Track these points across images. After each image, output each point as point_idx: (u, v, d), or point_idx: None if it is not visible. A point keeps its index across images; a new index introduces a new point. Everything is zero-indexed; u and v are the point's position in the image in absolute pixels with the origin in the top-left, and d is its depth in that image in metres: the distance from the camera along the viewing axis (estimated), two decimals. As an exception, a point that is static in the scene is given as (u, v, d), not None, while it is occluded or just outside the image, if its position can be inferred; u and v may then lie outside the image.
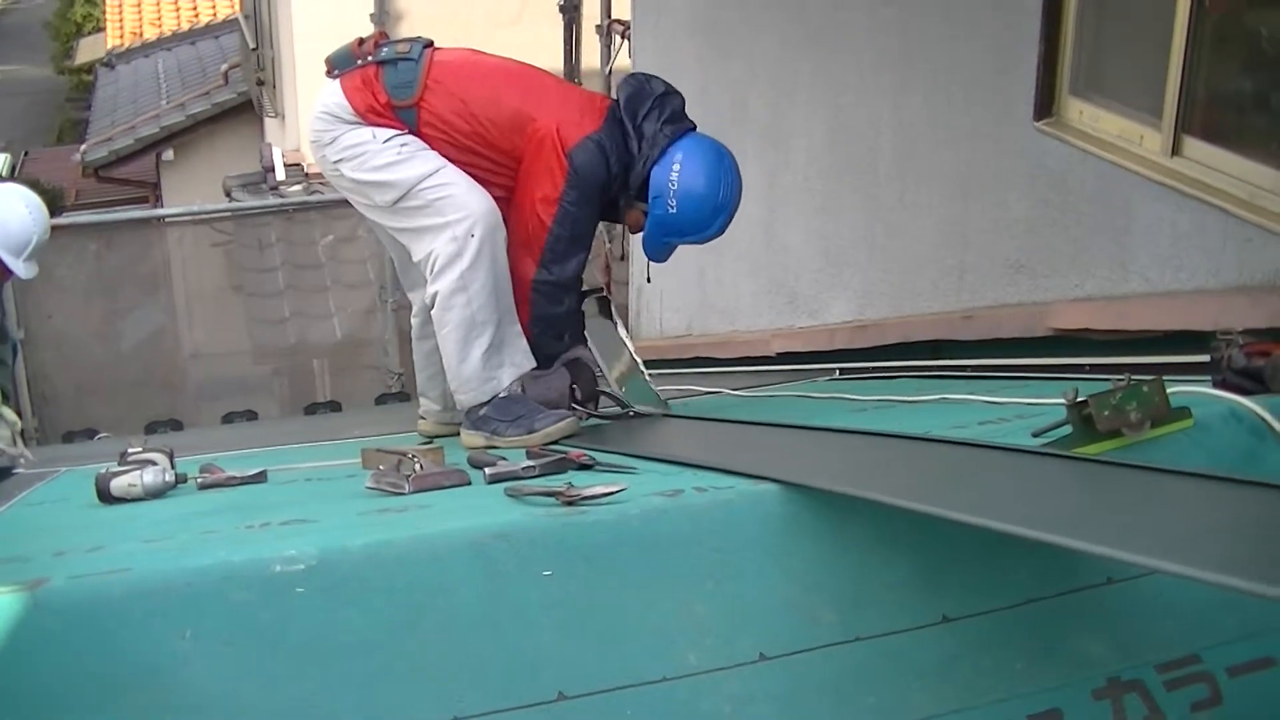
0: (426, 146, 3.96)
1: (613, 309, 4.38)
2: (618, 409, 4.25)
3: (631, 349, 4.30)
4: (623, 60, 8.95)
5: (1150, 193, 3.90)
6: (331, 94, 4.02)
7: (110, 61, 19.20)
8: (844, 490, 2.50)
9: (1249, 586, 1.73)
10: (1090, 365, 3.85)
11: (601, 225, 8.51)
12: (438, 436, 4.31)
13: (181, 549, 2.56)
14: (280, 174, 12.12)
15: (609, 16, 9.24)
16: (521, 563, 2.37)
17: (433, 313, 3.97)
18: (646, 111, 3.99)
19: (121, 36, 19.86)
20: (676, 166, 3.94)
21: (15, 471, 4.60)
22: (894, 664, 2.44)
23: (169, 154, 15.38)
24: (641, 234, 4.10)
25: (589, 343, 4.25)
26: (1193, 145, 3.83)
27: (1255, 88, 3.89)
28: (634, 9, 8.14)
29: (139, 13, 20.25)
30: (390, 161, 3.94)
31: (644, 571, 2.42)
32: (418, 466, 3.06)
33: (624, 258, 4.34)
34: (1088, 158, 4.14)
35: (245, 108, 15.38)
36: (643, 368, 4.33)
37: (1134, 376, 2.79)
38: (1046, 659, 2.50)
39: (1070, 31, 4.27)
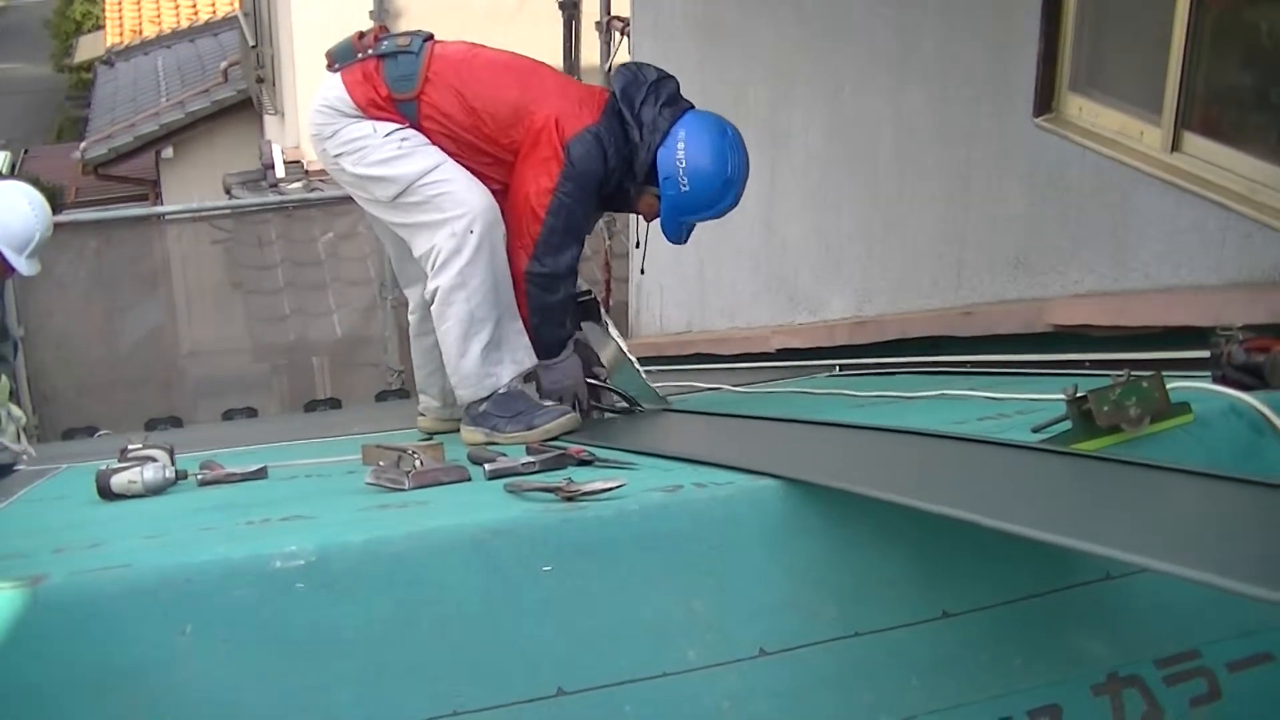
0: (427, 141, 3.96)
1: (600, 310, 4.37)
2: (623, 404, 4.25)
3: (624, 347, 4.29)
4: (622, 57, 8.95)
5: (1150, 188, 3.90)
6: (332, 87, 4.02)
7: (110, 59, 19.20)
8: (843, 486, 2.49)
9: (1247, 589, 1.73)
10: (1090, 361, 3.85)
11: (602, 223, 8.57)
12: (438, 433, 4.31)
13: (181, 545, 2.56)
14: (280, 171, 12.11)
15: (608, 13, 9.24)
16: (521, 558, 2.37)
17: (432, 309, 3.97)
18: (643, 98, 3.98)
19: (121, 34, 19.84)
20: (681, 146, 3.94)
21: (16, 468, 4.60)
22: (894, 659, 2.45)
23: (169, 151, 15.36)
24: (658, 219, 4.09)
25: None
26: (1193, 141, 3.82)
27: (1255, 83, 3.89)
28: (633, 6, 8.13)
29: (138, 10, 20.23)
30: (390, 156, 3.94)
31: (643, 567, 2.42)
32: (417, 463, 3.06)
33: (639, 244, 4.32)
34: (1087, 153, 4.14)
35: (245, 105, 15.36)
36: (637, 366, 4.32)
37: (1134, 372, 2.79)
38: (1046, 654, 2.50)
39: (1070, 27, 4.27)
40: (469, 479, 3.03)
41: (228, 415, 9.75)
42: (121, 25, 20.05)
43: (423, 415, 4.48)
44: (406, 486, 2.94)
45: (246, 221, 10.74)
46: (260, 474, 3.64)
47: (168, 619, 2.20)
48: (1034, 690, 2.46)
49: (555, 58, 9.68)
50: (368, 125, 3.97)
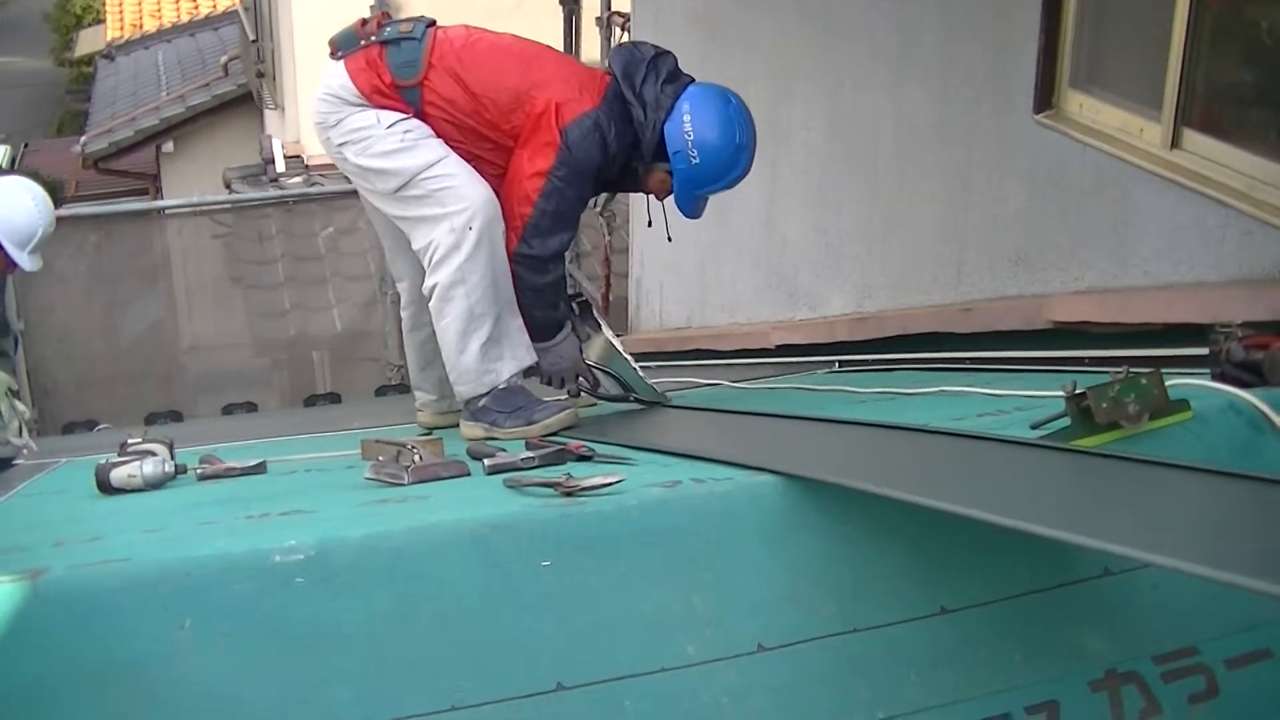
0: (431, 134, 3.96)
1: (594, 310, 4.38)
2: (620, 394, 4.26)
3: (619, 346, 4.29)
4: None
5: (1150, 185, 3.90)
6: (335, 76, 4.01)
7: (110, 53, 19.20)
8: (842, 482, 2.50)
9: (1245, 583, 1.74)
10: (1090, 358, 3.85)
11: (603, 221, 8.57)
12: (437, 428, 4.32)
13: (181, 539, 2.57)
14: (280, 166, 12.12)
15: (609, 9, 9.24)
16: (520, 553, 2.37)
17: (431, 304, 3.97)
18: (643, 77, 3.97)
19: (121, 28, 19.84)
20: (687, 118, 3.93)
21: (16, 462, 4.60)
22: (892, 655, 2.45)
23: (169, 146, 15.38)
24: (671, 195, 4.07)
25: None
26: (1192, 138, 3.82)
27: (1255, 80, 3.89)
28: (634, 1, 8.14)
29: (139, 5, 20.23)
30: (392, 149, 3.93)
31: (642, 562, 2.43)
32: (417, 458, 3.07)
33: (651, 224, 4.30)
34: (1087, 150, 4.14)
35: (245, 100, 15.37)
36: (634, 364, 4.33)
37: (1133, 369, 2.79)
38: (1044, 650, 2.50)
39: (1070, 24, 4.26)
40: (468, 474, 3.04)
41: (227, 410, 9.76)
42: (122, 19, 20.05)
43: (421, 410, 4.48)
44: (406, 481, 2.95)
45: (247, 216, 10.75)
46: (260, 468, 3.64)
47: (167, 613, 2.20)
48: (1032, 686, 2.46)
49: (556, 54, 9.68)
50: (371, 115, 3.96)
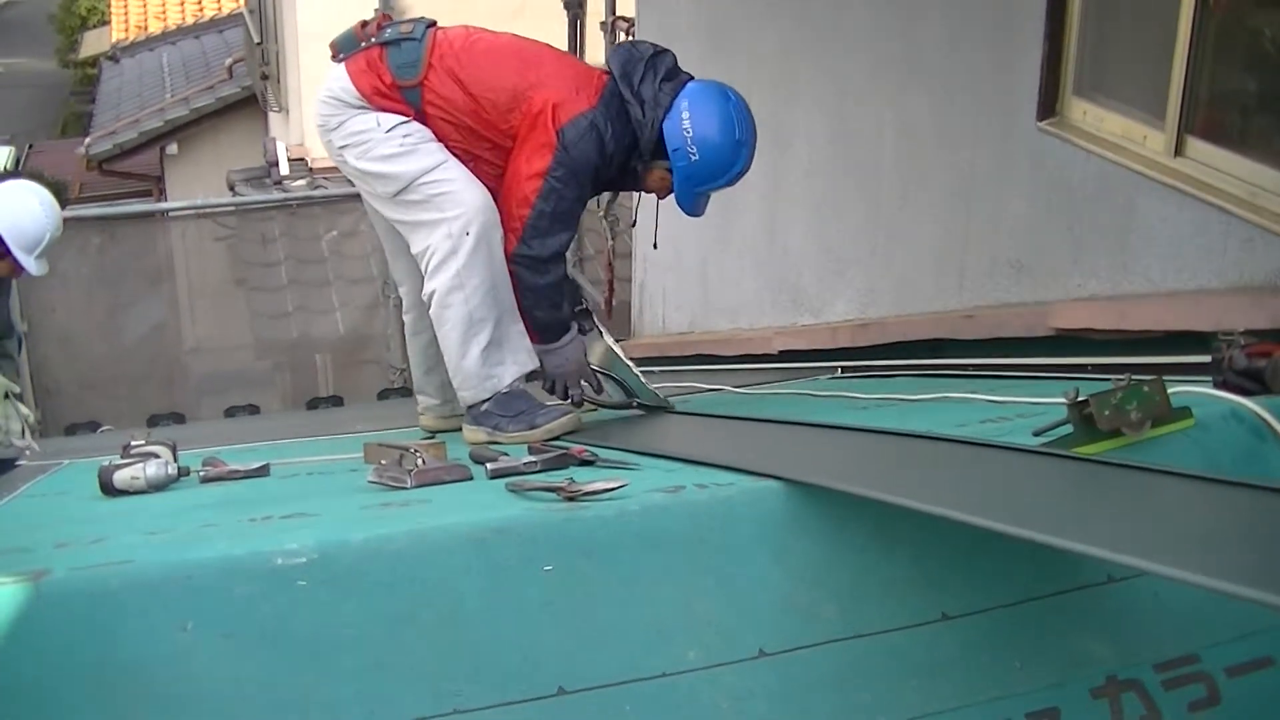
0: (431, 138, 3.96)
1: (595, 317, 4.37)
2: (623, 399, 4.26)
3: (620, 353, 4.29)
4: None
5: (1153, 193, 3.90)
6: (337, 78, 4.03)
7: (115, 55, 19.20)
8: (845, 488, 2.50)
9: (1247, 593, 1.74)
10: (1092, 365, 3.85)
11: (606, 226, 8.57)
12: (440, 431, 4.32)
13: (183, 542, 2.57)
14: (284, 168, 12.13)
15: (613, 13, 9.25)
16: (522, 558, 2.38)
17: (431, 311, 3.97)
18: (641, 76, 3.97)
19: (126, 30, 19.84)
20: (686, 115, 3.93)
21: (19, 463, 4.61)
22: (893, 661, 2.45)
23: (173, 148, 15.39)
24: (672, 195, 4.07)
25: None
26: (1196, 146, 3.82)
27: (1258, 88, 3.89)
28: (638, 8, 8.14)
29: (144, 6, 20.23)
30: (392, 153, 3.94)
31: (644, 567, 2.43)
32: (420, 461, 3.07)
33: (634, 223, 4.29)
34: (1090, 158, 4.14)
35: (249, 102, 15.38)
36: (636, 370, 4.33)
37: (1135, 376, 2.79)
38: (1045, 657, 2.50)
39: (1074, 31, 4.26)
40: (471, 478, 3.04)
41: (230, 412, 9.77)
42: (127, 21, 20.04)
43: (423, 414, 4.49)
44: (408, 485, 2.95)
45: (250, 218, 10.77)
46: (262, 471, 3.65)
47: (169, 615, 2.20)
48: (1033, 693, 2.46)
49: (559, 58, 9.67)
50: (372, 118, 3.97)
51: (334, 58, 4.08)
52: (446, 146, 3.98)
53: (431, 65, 3.96)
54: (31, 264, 4.99)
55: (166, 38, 19.26)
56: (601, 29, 9.35)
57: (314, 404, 9.90)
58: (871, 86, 5.45)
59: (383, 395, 9.78)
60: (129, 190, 15.77)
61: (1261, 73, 3.85)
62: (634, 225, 4.31)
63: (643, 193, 4.35)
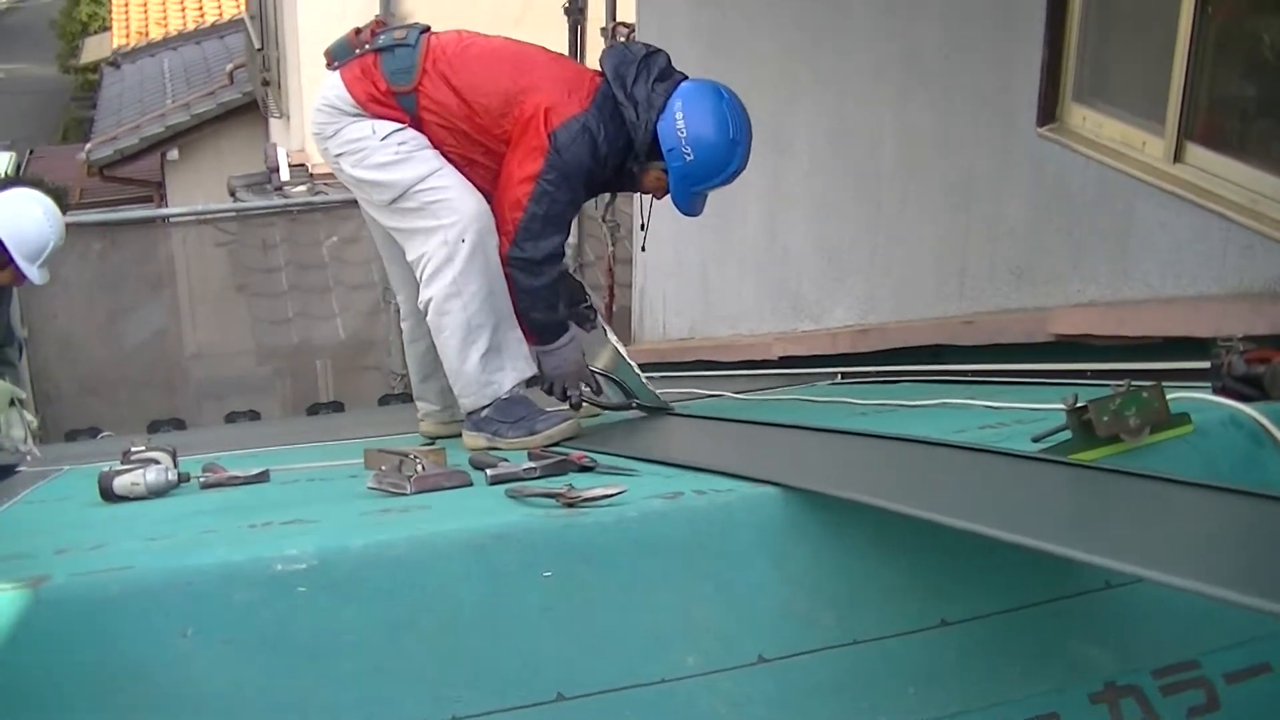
0: (426, 145, 3.97)
1: (598, 315, 4.38)
2: (623, 401, 4.26)
3: (624, 353, 4.29)
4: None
5: (1152, 199, 3.90)
6: (332, 86, 4.03)
7: (116, 61, 19.20)
8: (843, 494, 2.50)
9: (1244, 600, 1.74)
10: (1091, 371, 3.85)
11: (607, 231, 8.57)
12: (440, 437, 4.32)
13: (183, 548, 2.57)
14: (285, 174, 12.13)
15: (614, 19, 9.25)
16: (522, 564, 2.38)
17: (428, 319, 3.98)
18: (634, 76, 3.97)
19: (127, 36, 19.85)
20: (680, 115, 3.92)
21: (19, 469, 4.61)
22: (892, 667, 2.45)
23: (174, 153, 15.38)
24: (669, 195, 4.07)
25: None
26: (1195, 152, 3.83)
27: (1258, 94, 3.90)
28: (638, 12, 8.15)
29: (145, 12, 20.25)
30: (387, 161, 3.95)
31: (643, 573, 2.43)
32: (419, 467, 3.07)
33: (643, 227, 4.30)
34: (1090, 163, 4.14)
35: (250, 108, 15.38)
36: (638, 370, 4.33)
37: (1134, 382, 2.80)
38: (1044, 663, 2.50)
39: (1074, 37, 4.27)
40: (470, 484, 3.04)
41: (230, 418, 9.77)
42: (128, 27, 20.06)
43: (423, 420, 4.49)
44: (408, 491, 2.95)
45: (251, 224, 10.77)
46: (262, 477, 3.65)
47: (169, 621, 2.20)
48: (1032, 699, 2.46)
49: (560, 63, 9.68)
50: (367, 126, 3.98)
51: (329, 65, 4.08)
52: (442, 151, 3.98)
53: (426, 71, 3.96)
54: (34, 273, 4.99)
55: (168, 43, 19.27)
56: (602, 35, 9.36)
57: (314, 410, 9.90)
58: (871, 91, 5.45)
59: (383, 401, 9.78)
60: (130, 196, 15.78)
61: (1261, 79, 3.85)
62: (643, 228, 4.30)
63: (639, 194, 4.34)
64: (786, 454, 3.31)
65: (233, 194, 12.30)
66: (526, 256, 3.93)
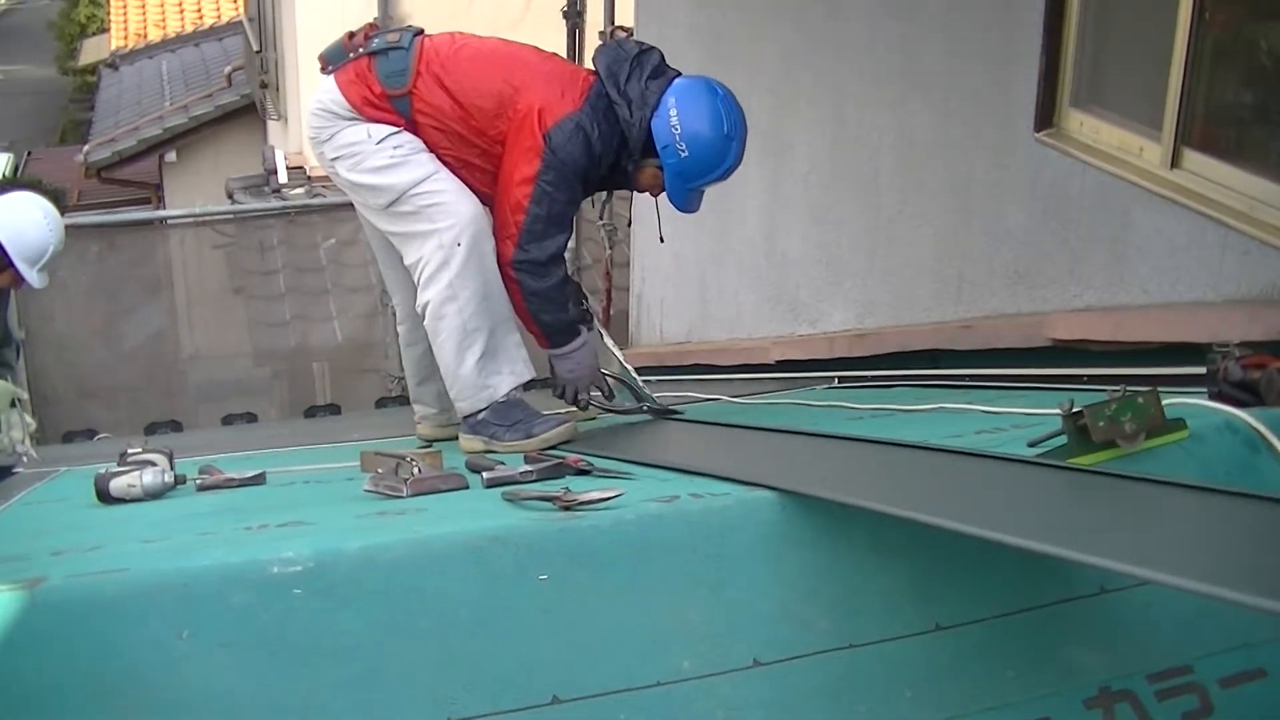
0: (422, 149, 3.97)
1: (595, 320, 4.38)
2: (633, 405, 4.27)
3: (620, 356, 4.30)
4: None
5: (1149, 204, 3.91)
6: (326, 90, 4.03)
7: (114, 62, 19.21)
8: (839, 498, 2.50)
9: (1240, 598, 1.74)
10: (1088, 376, 3.85)
11: (604, 235, 8.58)
12: (437, 440, 4.32)
13: (179, 550, 2.58)
14: (283, 176, 12.13)
15: (612, 23, 9.25)
16: (518, 567, 2.38)
17: (425, 322, 3.98)
18: (628, 75, 3.95)
19: (125, 38, 19.85)
20: (674, 112, 3.91)
21: (15, 471, 4.61)
22: (887, 671, 2.45)
23: (172, 155, 15.37)
24: (665, 191, 4.06)
25: None
26: (1192, 158, 3.83)
27: (1255, 101, 3.90)
28: (637, 16, 8.16)
29: (143, 14, 20.25)
30: (383, 165, 3.95)
31: (639, 577, 2.43)
32: (416, 470, 3.07)
33: (630, 223, 4.30)
34: (1087, 169, 4.15)
35: (248, 110, 15.38)
36: (635, 375, 4.34)
37: (1130, 388, 2.80)
38: (1039, 668, 2.51)
39: (1071, 44, 4.28)
40: (466, 487, 3.04)
41: (227, 420, 9.76)
42: (126, 29, 20.06)
43: (420, 423, 4.49)
44: (404, 494, 2.95)
45: (249, 226, 10.77)
46: (259, 479, 3.65)
47: (165, 623, 2.20)
48: (1026, 703, 2.46)
49: (559, 67, 9.69)
50: (363, 129, 3.98)
51: (323, 70, 4.08)
52: (438, 154, 3.98)
53: (419, 74, 3.96)
54: (34, 276, 5.00)
55: (166, 45, 19.28)
56: (600, 38, 9.36)
57: (311, 412, 9.89)
58: (870, 96, 5.46)
59: (380, 404, 9.78)
60: (127, 198, 15.77)
61: (1258, 85, 3.86)
62: (630, 225, 4.30)
63: (636, 192, 4.34)
64: (783, 458, 3.31)
65: (230, 196, 12.29)
66: (532, 258, 3.93)
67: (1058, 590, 2.56)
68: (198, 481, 3.58)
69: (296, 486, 3.65)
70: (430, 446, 4.09)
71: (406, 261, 4.01)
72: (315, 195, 11.23)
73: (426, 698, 2.27)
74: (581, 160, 3.90)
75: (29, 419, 4.68)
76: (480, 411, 3.97)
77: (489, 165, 3.99)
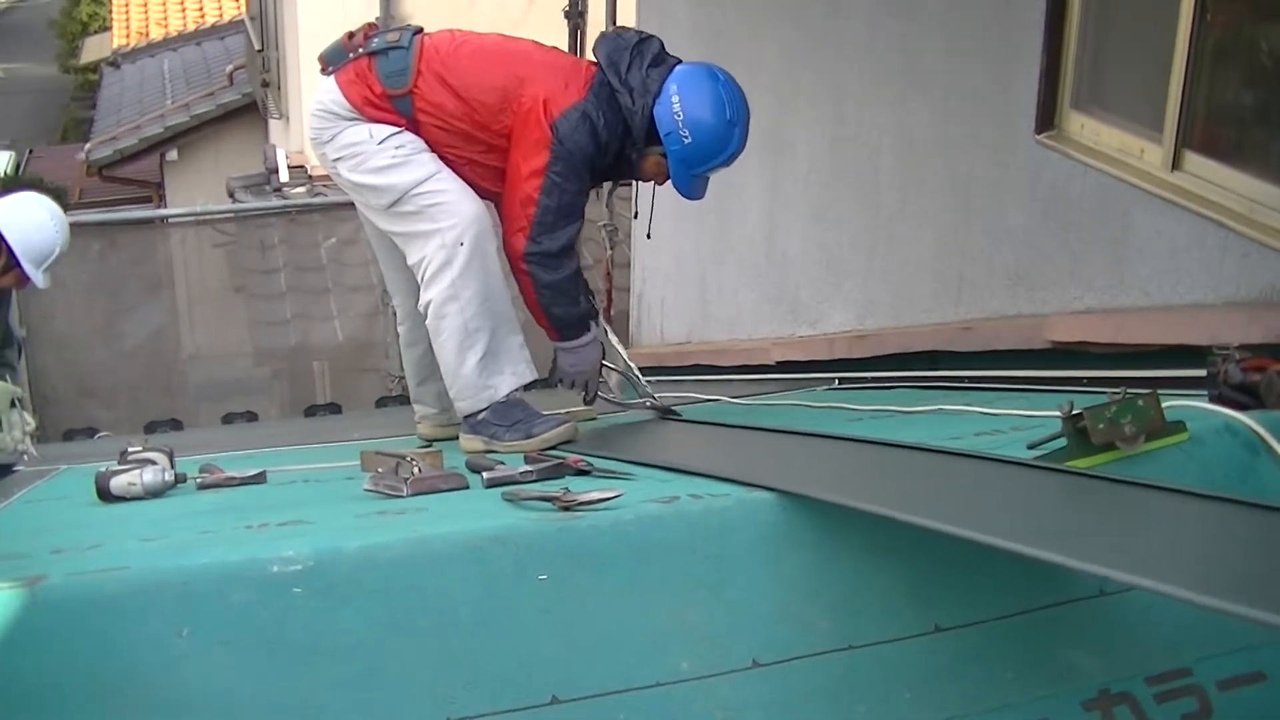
0: (424, 149, 3.97)
1: (599, 315, 4.38)
2: (637, 400, 4.28)
3: (624, 353, 4.30)
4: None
5: (1150, 206, 3.90)
6: (327, 91, 4.03)
7: (116, 61, 19.21)
8: (839, 500, 2.51)
9: (1237, 610, 1.74)
10: (1088, 378, 3.86)
11: (604, 234, 8.59)
12: (437, 440, 4.32)
13: (179, 548, 2.58)
14: (284, 175, 12.13)
15: (613, 23, 9.26)
16: (517, 567, 2.38)
17: (428, 322, 3.98)
18: (628, 63, 3.96)
19: (127, 36, 19.86)
20: (676, 99, 3.92)
21: (16, 469, 4.61)
22: (886, 673, 2.46)
23: (173, 154, 15.38)
24: (670, 181, 4.07)
25: None
26: (1193, 159, 3.83)
27: (1256, 103, 3.90)
28: (638, 17, 8.16)
29: (145, 12, 20.25)
30: (385, 165, 3.94)
31: (639, 577, 2.43)
32: (416, 470, 3.07)
33: (635, 216, 4.30)
34: (1088, 171, 4.15)
35: (250, 109, 15.39)
36: (638, 372, 4.34)
37: (1130, 390, 2.80)
38: (1037, 670, 2.51)
39: (1072, 45, 4.27)
40: (466, 487, 3.04)
41: (228, 419, 9.76)
42: (128, 27, 20.07)
43: (420, 422, 4.49)
44: (404, 493, 2.95)
45: (250, 225, 10.77)
46: (259, 478, 3.66)
47: (165, 621, 2.21)
48: (1025, 705, 2.46)
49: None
50: (364, 130, 3.97)
51: (323, 71, 4.08)
52: (441, 153, 3.98)
53: (420, 72, 3.96)
54: (38, 277, 5.00)
55: (168, 44, 19.29)
56: (602, 38, 9.36)
57: (312, 411, 9.89)
58: (870, 96, 5.46)
59: (381, 403, 9.77)
60: (129, 196, 15.78)
61: (1259, 87, 3.86)
62: (635, 216, 4.30)
63: (640, 182, 4.34)
64: (782, 459, 3.31)
65: (232, 195, 12.29)
66: (544, 249, 3.93)
67: (1057, 592, 2.56)
68: (198, 480, 3.58)
69: (297, 485, 3.65)
70: (430, 446, 4.09)
71: (410, 261, 4.01)
72: (316, 194, 11.23)
73: (426, 697, 2.27)
74: (589, 149, 3.91)
75: (28, 418, 4.69)
76: (481, 411, 3.96)
77: (493, 161, 3.99)
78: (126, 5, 20.47)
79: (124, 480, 3.44)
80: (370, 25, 4.19)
